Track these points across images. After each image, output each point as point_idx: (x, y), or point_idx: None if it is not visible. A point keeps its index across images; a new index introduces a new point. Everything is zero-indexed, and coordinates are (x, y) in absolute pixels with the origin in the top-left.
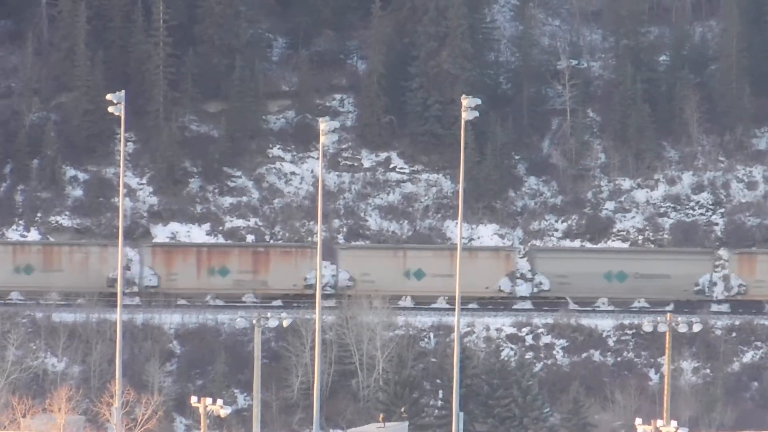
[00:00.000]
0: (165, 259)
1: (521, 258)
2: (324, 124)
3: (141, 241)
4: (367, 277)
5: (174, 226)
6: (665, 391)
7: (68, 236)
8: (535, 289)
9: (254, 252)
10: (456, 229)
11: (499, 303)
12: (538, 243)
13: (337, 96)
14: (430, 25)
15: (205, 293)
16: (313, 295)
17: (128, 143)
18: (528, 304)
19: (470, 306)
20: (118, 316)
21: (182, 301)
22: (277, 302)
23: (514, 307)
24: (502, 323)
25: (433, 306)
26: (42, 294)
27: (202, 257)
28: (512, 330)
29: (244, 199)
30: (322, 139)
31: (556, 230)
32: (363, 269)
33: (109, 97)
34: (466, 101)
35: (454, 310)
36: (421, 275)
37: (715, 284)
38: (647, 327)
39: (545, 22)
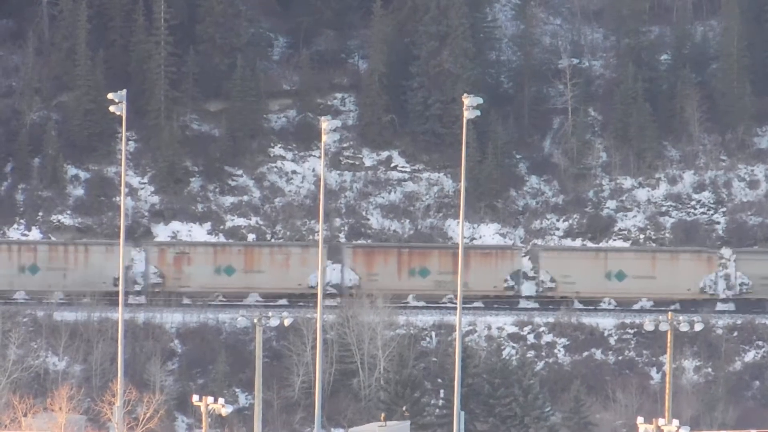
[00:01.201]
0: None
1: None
2: (325, 123)
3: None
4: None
5: (175, 225)
6: (667, 390)
7: (70, 236)
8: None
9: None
10: (457, 229)
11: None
12: (539, 242)
13: (339, 95)
14: (431, 24)
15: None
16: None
17: (129, 142)
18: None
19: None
20: (119, 315)
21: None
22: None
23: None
24: (503, 322)
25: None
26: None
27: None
28: (514, 329)
29: (246, 198)
30: (323, 138)
31: (558, 229)
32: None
33: (110, 96)
34: (467, 100)
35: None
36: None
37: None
38: (648, 326)
39: (546, 21)
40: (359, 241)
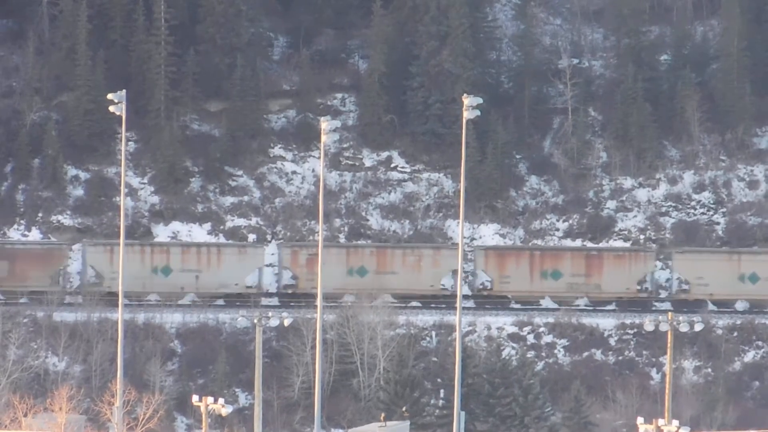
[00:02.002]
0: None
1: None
2: (325, 124)
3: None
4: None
5: (175, 225)
6: (667, 391)
7: (69, 236)
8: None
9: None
10: (457, 229)
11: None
12: (539, 242)
13: (339, 95)
14: (431, 24)
15: None
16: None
17: (129, 142)
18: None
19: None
20: (119, 315)
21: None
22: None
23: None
24: (503, 322)
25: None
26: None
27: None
28: (513, 329)
29: (246, 198)
30: (323, 138)
31: (557, 230)
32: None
33: (110, 96)
34: (467, 100)
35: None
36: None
37: None
38: (648, 326)
39: (546, 21)
40: (492, 244)
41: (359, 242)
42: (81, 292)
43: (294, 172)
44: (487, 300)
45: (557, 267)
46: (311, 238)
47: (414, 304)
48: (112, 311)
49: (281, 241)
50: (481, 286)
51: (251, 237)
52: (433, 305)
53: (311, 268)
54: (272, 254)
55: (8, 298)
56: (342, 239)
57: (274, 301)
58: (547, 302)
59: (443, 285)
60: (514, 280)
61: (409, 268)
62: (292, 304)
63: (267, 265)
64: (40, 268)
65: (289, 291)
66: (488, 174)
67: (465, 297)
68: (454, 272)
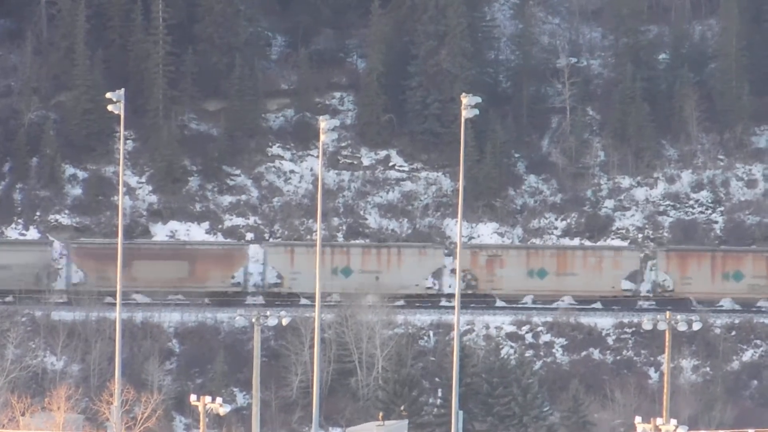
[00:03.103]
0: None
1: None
2: (323, 123)
3: None
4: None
5: (173, 224)
6: (665, 390)
7: (67, 235)
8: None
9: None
10: (456, 228)
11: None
12: (537, 241)
13: (337, 94)
14: (429, 24)
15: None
16: None
17: (127, 142)
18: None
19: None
20: (117, 314)
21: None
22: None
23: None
24: (501, 321)
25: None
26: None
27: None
28: (512, 328)
29: (244, 197)
30: (321, 137)
31: (556, 228)
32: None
33: (108, 95)
34: (465, 99)
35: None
36: None
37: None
38: (647, 325)
39: (545, 20)
40: (673, 246)
41: (540, 243)
42: (262, 292)
43: (292, 171)
44: (669, 301)
45: (739, 268)
46: (308, 237)
47: (595, 305)
48: (110, 310)
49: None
50: (660, 288)
51: (249, 236)
52: (622, 308)
53: (491, 270)
54: (448, 255)
55: (189, 299)
56: (341, 238)
57: (452, 302)
58: (727, 303)
59: (624, 286)
60: (695, 281)
61: (589, 269)
62: (472, 305)
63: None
64: (220, 269)
65: (469, 291)
66: (486, 173)
67: (645, 298)
68: (634, 273)
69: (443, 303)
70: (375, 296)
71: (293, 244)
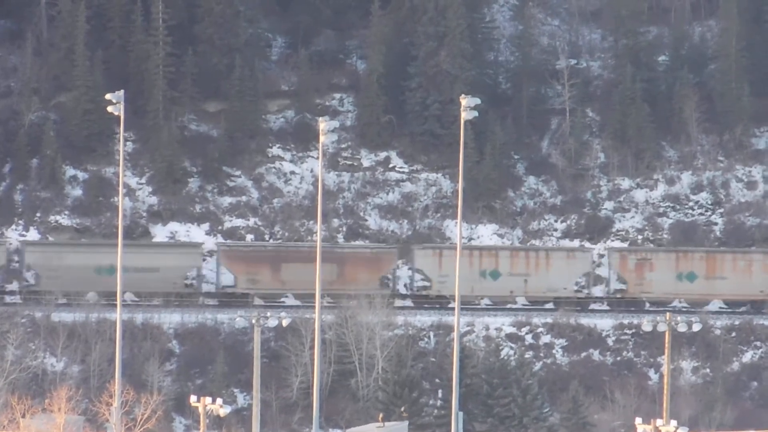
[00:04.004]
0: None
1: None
2: (323, 124)
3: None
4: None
5: (173, 225)
6: (665, 391)
7: (68, 236)
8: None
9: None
10: (455, 229)
11: None
12: (537, 243)
13: (337, 95)
14: (429, 25)
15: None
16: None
17: (128, 143)
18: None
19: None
20: (118, 315)
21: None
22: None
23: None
24: (501, 323)
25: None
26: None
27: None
28: (512, 329)
29: (244, 198)
30: (321, 138)
31: (556, 230)
32: None
33: (108, 96)
34: (465, 101)
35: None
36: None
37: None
38: (647, 326)
39: (544, 21)
40: None
41: (690, 247)
42: (410, 295)
43: (292, 173)
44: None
45: None
46: (309, 238)
47: (742, 309)
48: (110, 311)
49: (611, 244)
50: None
51: (249, 237)
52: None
53: (640, 273)
54: (602, 257)
55: (337, 302)
56: (340, 239)
57: (604, 306)
58: None
59: None
60: None
61: (739, 273)
62: (621, 308)
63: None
64: (368, 272)
65: (618, 296)
66: (486, 174)
67: None
68: None
69: (593, 307)
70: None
71: (441, 247)
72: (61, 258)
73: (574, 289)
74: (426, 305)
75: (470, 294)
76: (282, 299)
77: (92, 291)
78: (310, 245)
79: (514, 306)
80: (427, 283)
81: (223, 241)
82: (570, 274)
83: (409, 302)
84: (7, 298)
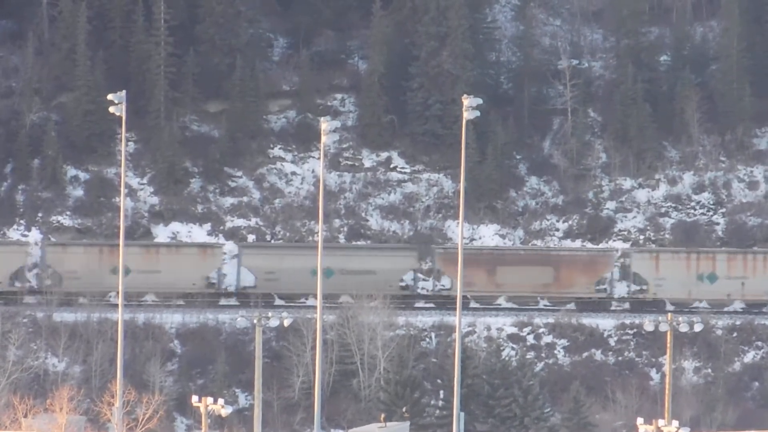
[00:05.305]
0: None
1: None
2: (325, 124)
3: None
4: None
5: (175, 226)
6: (666, 391)
7: (69, 236)
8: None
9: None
10: (457, 229)
11: None
12: (538, 243)
13: (338, 96)
14: (430, 25)
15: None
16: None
17: (129, 143)
18: None
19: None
20: (119, 315)
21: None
22: None
23: None
24: (503, 323)
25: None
26: None
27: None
28: (513, 330)
29: (245, 199)
30: (323, 138)
31: (557, 230)
32: None
33: (109, 97)
34: (466, 101)
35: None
36: None
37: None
38: (648, 326)
39: (546, 21)
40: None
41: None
42: (628, 298)
43: (293, 173)
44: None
45: None
46: (310, 239)
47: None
48: (112, 311)
49: None
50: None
51: (250, 238)
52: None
53: None
54: None
55: (555, 305)
56: (341, 239)
57: None
58: None
59: None
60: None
61: None
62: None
63: None
64: (585, 275)
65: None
66: (488, 174)
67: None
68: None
69: None
70: (741, 301)
71: (659, 251)
72: (282, 260)
73: None
74: (645, 309)
75: (688, 298)
76: (498, 302)
77: (309, 293)
78: (526, 248)
79: (513, 306)
80: (644, 287)
81: (441, 244)
82: None
83: (627, 305)
84: (222, 300)
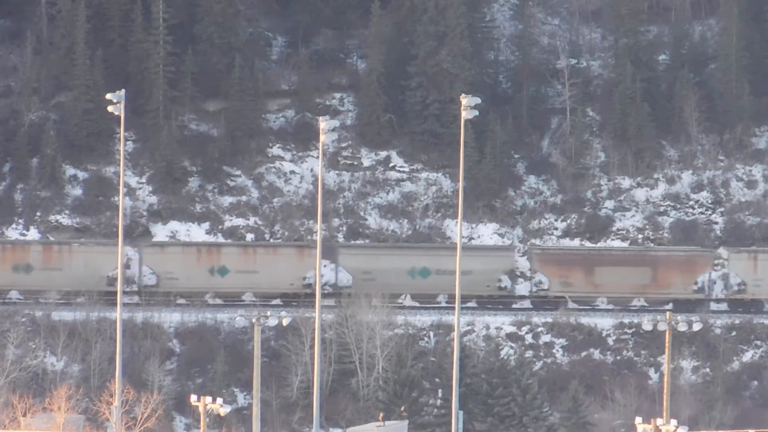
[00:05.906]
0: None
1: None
2: (324, 123)
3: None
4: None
5: (173, 225)
6: (665, 390)
7: (68, 235)
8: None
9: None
10: (456, 228)
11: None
12: (537, 242)
13: (337, 95)
14: (429, 24)
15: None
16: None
17: (128, 142)
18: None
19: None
20: (118, 314)
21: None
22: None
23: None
24: (501, 322)
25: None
26: None
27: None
28: (512, 329)
29: (244, 198)
30: (321, 137)
31: (556, 229)
32: None
33: (108, 96)
34: (465, 100)
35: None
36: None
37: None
38: (647, 326)
39: (545, 21)
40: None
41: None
42: (725, 299)
43: (292, 172)
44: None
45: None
46: (309, 237)
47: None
48: (110, 310)
49: None
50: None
51: (249, 237)
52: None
53: None
54: None
55: (652, 305)
56: (341, 239)
57: None
58: None
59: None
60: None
61: None
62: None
63: None
64: (682, 275)
65: None
66: (487, 174)
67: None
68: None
69: None
70: None
71: (756, 251)
72: (378, 261)
73: None
74: (740, 309)
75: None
76: (596, 302)
77: (407, 293)
78: (623, 248)
79: (514, 306)
80: (742, 287)
81: (537, 243)
82: None
83: (724, 306)
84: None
